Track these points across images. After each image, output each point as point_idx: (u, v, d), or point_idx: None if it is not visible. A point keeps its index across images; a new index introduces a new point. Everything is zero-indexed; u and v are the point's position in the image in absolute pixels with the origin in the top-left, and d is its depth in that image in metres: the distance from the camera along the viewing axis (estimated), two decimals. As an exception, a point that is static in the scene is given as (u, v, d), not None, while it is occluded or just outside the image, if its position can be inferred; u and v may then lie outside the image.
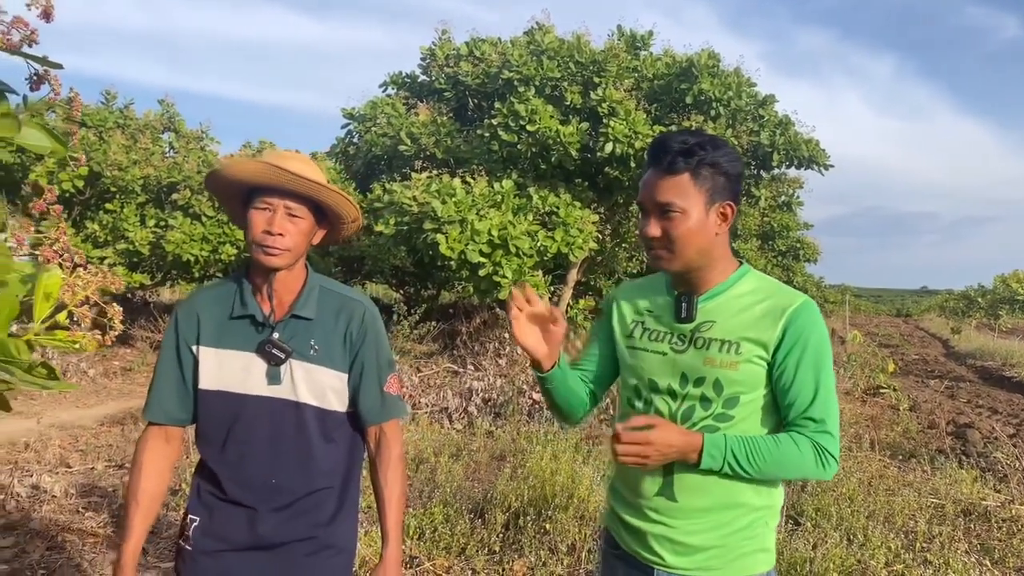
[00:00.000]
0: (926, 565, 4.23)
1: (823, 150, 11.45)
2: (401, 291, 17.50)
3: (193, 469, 2.02)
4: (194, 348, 1.88)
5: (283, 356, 1.86)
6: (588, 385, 1.93)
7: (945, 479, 5.98)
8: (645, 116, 10.31)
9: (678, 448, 1.61)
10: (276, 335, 1.86)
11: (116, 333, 1.34)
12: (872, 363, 13.66)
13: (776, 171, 13.23)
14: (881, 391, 11.01)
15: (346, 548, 1.99)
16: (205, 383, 1.88)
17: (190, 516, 1.92)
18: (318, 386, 1.90)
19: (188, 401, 1.91)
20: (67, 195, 11.30)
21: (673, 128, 10.32)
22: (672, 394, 1.73)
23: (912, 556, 4.32)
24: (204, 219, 11.95)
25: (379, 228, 9.62)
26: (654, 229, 1.68)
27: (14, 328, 1.32)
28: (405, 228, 9.40)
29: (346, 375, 1.94)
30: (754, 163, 11.78)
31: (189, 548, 1.90)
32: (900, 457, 7.06)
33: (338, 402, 1.94)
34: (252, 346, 1.87)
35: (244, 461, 1.88)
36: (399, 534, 1.97)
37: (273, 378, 1.86)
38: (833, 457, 1.63)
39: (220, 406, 1.88)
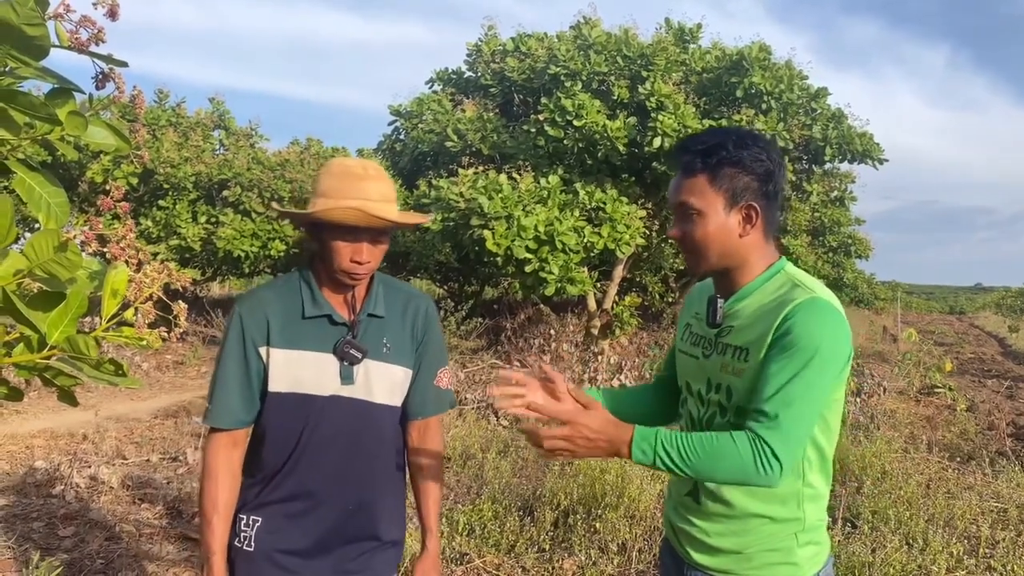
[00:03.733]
0: (990, 572, 4.11)
1: (877, 144, 11.18)
2: (445, 287, 17.58)
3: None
4: (262, 350, 1.85)
5: (360, 356, 1.85)
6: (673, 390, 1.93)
7: (1007, 482, 5.79)
8: (694, 110, 10.16)
9: (606, 438, 1.48)
10: (352, 335, 1.86)
11: (181, 330, 1.35)
12: (926, 361, 13.33)
13: (828, 166, 12.98)
14: (936, 391, 10.73)
15: (398, 540, 2.02)
16: (276, 385, 1.85)
17: (251, 517, 1.89)
18: (389, 383, 1.91)
19: (254, 403, 1.87)
20: (123, 191, 11.57)
21: (724, 122, 10.17)
22: (700, 399, 1.73)
23: (975, 562, 4.20)
24: (254, 216, 12.14)
25: (426, 224, 9.65)
26: (674, 231, 1.68)
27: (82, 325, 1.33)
28: (451, 224, 9.41)
29: (412, 371, 1.96)
30: (806, 158, 11.56)
31: (250, 549, 1.87)
32: (958, 459, 6.86)
33: (402, 397, 1.96)
34: (328, 347, 1.85)
35: (316, 462, 1.86)
36: (438, 526, 2.02)
37: (346, 377, 1.85)
38: (775, 457, 1.43)
39: (293, 408, 1.85)
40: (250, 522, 1.89)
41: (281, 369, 1.84)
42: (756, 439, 1.45)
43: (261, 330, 1.85)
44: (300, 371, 1.84)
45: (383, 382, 1.90)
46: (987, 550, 4.43)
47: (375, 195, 1.78)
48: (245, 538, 1.88)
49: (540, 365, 1.72)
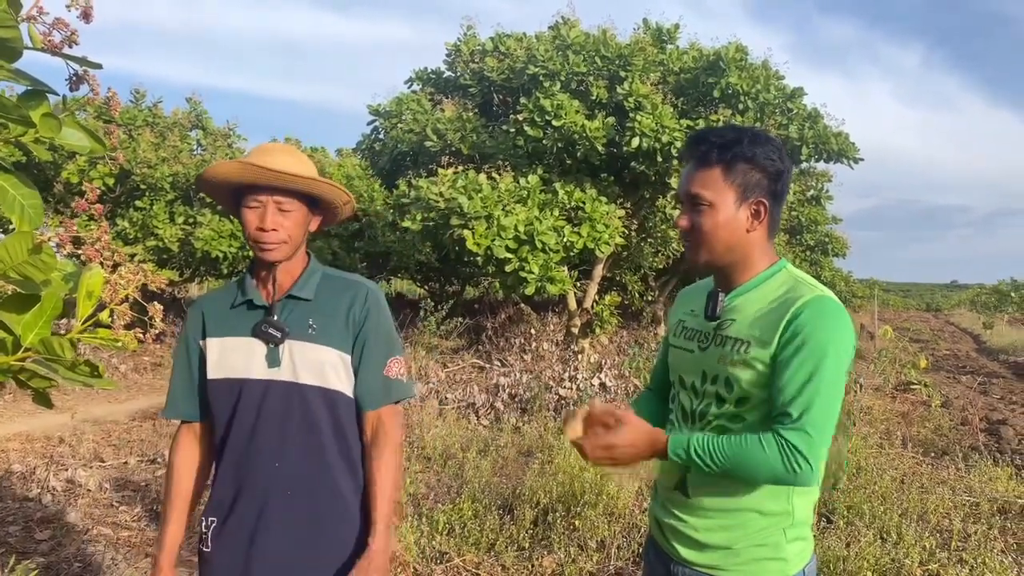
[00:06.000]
0: (962, 564, 4.17)
1: (853, 143, 11.29)
2: (426, 287, 17.57)
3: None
4: (201, 342, 1.93)
5: (279, 335, 1.85)
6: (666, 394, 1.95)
7: (979, 477, 5.88)
8: (672, 110, 10.21)
9: (643, 449, 1.61)
10: (271, 316, 1.87)
11: (157, 331, 1.35)
12: (902, 358, 13.49)
13: (805, 165, 13.09)
14: (912, 387, 10.87)
15: (352, 540, 1.91)
16: (211, 373, 1.91)
17: (209, 518, 1.91)
18: (316, 364, 1.87)
19: (200, 396, 1.96)
20: (98, 193, 11.47)
21: (701, 122, 10.23)
22: (694, 391, 1.74)
23: (947, 555, 4.26)
24: (232, 216, 12.06)
25: (405, 224, 9.64)
26: (683, 221, 1.70)
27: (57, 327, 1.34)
28: (431, 224, 9.40)
29: (348, 355, 1.90)
30: (782, 157, 11.63)
31: (208, 551, 1.90)
32: (932, 454, 6.95)
33: (340, 382, 1.90)
34: (249, 330, 1.88)
35: (249, 448, 1.87)
36: (388, 524, 1.89)
37: (273, 361, 1.86)
38: (803, 457, 1.50)
39: (224, 394, 1.89)
40: (208, 523, 1.91)
41: (215, 357, 1.91)
42: (783, 442, 1.51)
43: (198, 325, 1.95)
44: (230, 357, 1.89)
45: (309, 363, 1.87)
46: (959, 543, 4.50)
47: (274, 161, 1.81)
48: (203, 539, 1.91)
49: (593, 403, 1.71)
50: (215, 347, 1.90)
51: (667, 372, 1.91)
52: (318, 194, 1.89)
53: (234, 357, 1.88)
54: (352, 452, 1.94)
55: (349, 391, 1.92)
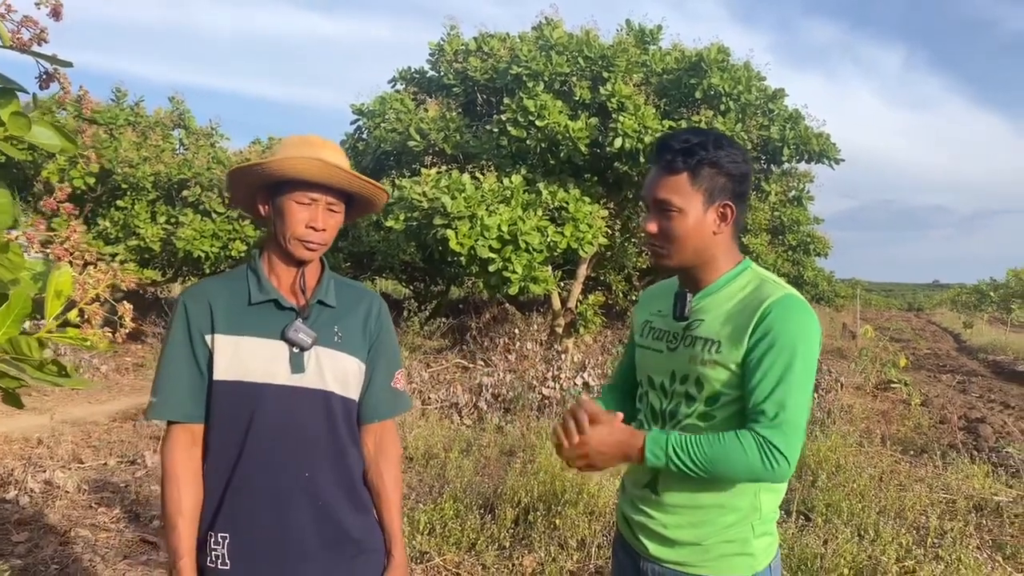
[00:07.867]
0: (937, 561, 4.22)
1: (834, 144, 11.37)
2: (411, 287, 17.54)
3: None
4: (208, 337, 1.76)
5: (309, 341, 1.78)
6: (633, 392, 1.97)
7: (957, 474, 5.95)
8: (654, 111, 10.25)
9: (620, 449, 1.64)
10: (301, 320, 1.79)
11: (127, 331, 1.35)
12: (883, 357, 13.59)
13: (786, 165, 13.17)
14: (892, 385, 10.96)
15: (379, 548, 1.92)
16: (221, 374, 1.75)
17: (220, 534, 1.77)
18: (342, 373, 1.84)
19: (203, 396, 1.78)
20: (79, 192, 11.36)
21: (683, 123, 10.27)
22: (663, 391, 1.77)
23: (923, 552, 4.31)
24: (214, 216, 12.01)
25: (389, 224, 9.62)
26: (652, 226, 1.72)
27: (26, 326, 1.33)
28: (415, 224, 9.39)
29: (365, 365, 1.89)
30: (764, 158, 11.70)
31: (225, 568, 1.76)
32: (911, 452, 7.02)
33: (356, 391, 1.88)
34: (275, 332, 1.77)
35: (271, 457, 1.77)
36: (402, 534, 1.96)
37: (296, 366, 1.77)
38: (781, 453, 1.54)
39: (238, 398, 1.76)
40: (219, 539, 1.77)
41: (227, 357, 1.76)
42: (760, 439, 1.55)
43: (205, 318, 1.77)
44: (247, 359, 1.76)
45: (335, 371, 1.82)
46: (935, 540, 4.55)
47: (332, 160, 1.75)
48: (217, 557, 1.77)
49: (580, 400, 1.75)
50: (227, 346, 1.76)
51: (633, 371, 1.93)
52: (371, 198, 1.87)
53: (251, 359, 1.76)
54: (361, 461, 1.92)
55: (358, 399, 1.91)
